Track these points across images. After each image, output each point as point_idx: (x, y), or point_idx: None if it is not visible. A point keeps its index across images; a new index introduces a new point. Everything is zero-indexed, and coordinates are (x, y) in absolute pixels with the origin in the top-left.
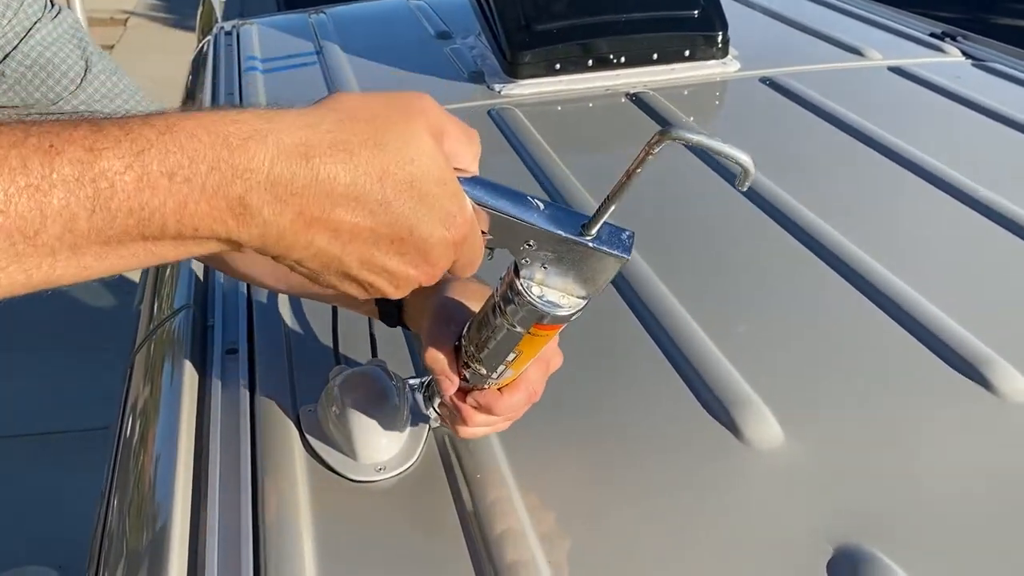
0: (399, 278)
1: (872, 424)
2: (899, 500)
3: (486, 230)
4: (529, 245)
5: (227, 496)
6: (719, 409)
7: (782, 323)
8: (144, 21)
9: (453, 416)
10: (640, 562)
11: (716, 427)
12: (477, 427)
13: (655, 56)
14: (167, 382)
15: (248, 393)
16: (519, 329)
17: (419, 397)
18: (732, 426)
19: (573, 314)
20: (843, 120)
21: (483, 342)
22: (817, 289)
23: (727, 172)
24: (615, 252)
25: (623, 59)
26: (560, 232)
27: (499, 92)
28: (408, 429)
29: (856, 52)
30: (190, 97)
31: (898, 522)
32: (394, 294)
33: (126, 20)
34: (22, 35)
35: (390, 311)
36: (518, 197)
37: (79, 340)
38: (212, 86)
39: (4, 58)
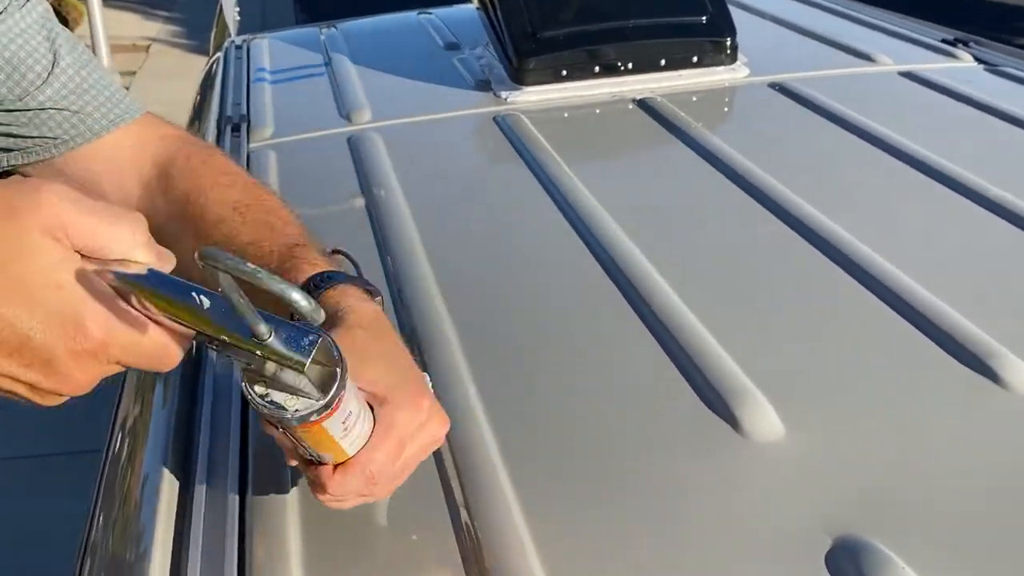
0: (38, 389)
1: (874, 417)
2: (901, 493)
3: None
4: (214, 347)
5: (214, 494)
6: (717, 401)
7: (784, 316)
8: (166, 47)
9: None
10: (636, 558)
11: (714, 420)
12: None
13: (663, 62)
14: (158, 396)
15: (239, 403)
16: (280, 430)
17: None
18: (731, 419)
19: (314, 412)
20: (855, 124)
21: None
22: (823, 285)
23: (734, 174)
24: (291, 355)
25: (630, 65)
26: (224, 333)
27: (505, 99)
28: None
29: (866, 57)
30: (197, 116)
31: (899, 514)
32: (44, 402)
33: (148, 47)
34: None
35: None
36: (181, 290)
37: None
38: (220, 97)
39: None
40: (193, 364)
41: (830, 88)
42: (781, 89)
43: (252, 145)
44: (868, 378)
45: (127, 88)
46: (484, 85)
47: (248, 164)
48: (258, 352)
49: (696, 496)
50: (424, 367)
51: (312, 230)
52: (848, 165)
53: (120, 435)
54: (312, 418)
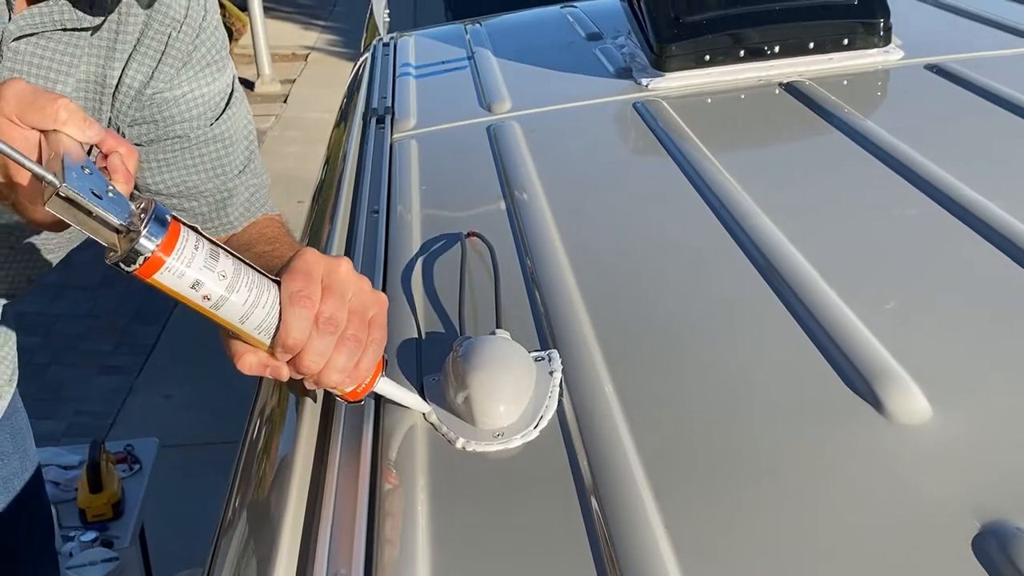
0: None
1: None
2: None
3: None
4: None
5: (347, 466)
6: (858, 380)
7: (937, 299)
8: (323, 55)
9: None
10: (772, 541)
11: (855, 400)
12: (329, 375)
13: (811, 45)
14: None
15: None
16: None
17: None
18: (873, 399)
19: (131, 255)
20: (1021, 105)
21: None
22: (983, 270)
23: (891, 159)
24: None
25: (777, 49)
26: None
27: (646, 86)
28: (529, 398)
29: None
30: (344, 113)
31: None
32: None
33: (307, 55)
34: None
35: None
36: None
37: None
38: (367, 91)
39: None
40: None
41: (992, 69)
42: (939, 71)
43: (395, 136)
44: (1021, 359)
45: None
46: (625, 73)
47: (391, 154)
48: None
49: (837, 480)
50: (554, 345)
51: None
52: (1016, 149)
53: (258, 423)
54: (144, 250)
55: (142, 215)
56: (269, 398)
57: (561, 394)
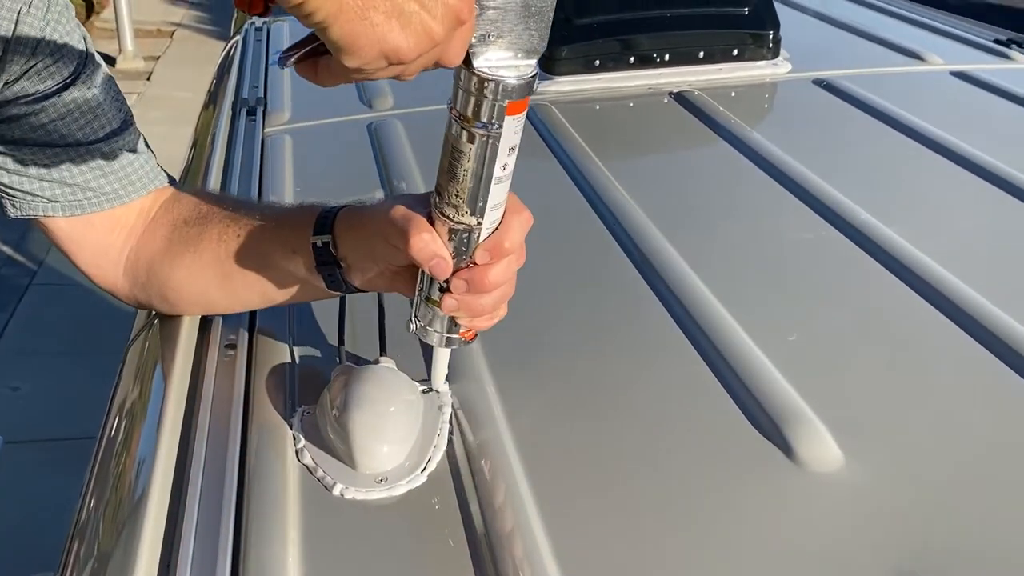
0: (442, 6)
1: (949, 449)
2: (979, 539)
3: None
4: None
5: (208, 501)
6: (768, 425)
7: (840, 332)
8: (190, 33)
9: (445, 315)
10: None
11: (765, 445)
12: (487, 299)
13: (701, 55)
14: (157, 378)
15: (243, 392)
16: (495, 125)
17: (415, 325)
18: (783, 444)
19: (533, 76)
20: (905, 124)
21: (461, 180)
22: (878, 297)
23: (778, 172)
24: None
25: (667, 57)
26: None
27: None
28: (416, 437)
29: (916, 56)
30: (212, 100)
31: (978, 567)
32: (438, 33)
33: (173, 32)
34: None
35: (333, 276)
36: None
37: (101, 345)
38: (237, 78)
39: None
40: (197, 347)
41: (878, 86)
42: (827, 86)
43: (268, 130)
44: (940, 406)
45: (149, 74)
46: None
47: (262, 149)
48: None
49: (745, 529)
50: (448, 387)
51: None
52: (899, 165)
53: (117, 418)
54: (535, 85)
55: None
56: (130, 392)
57: (451, 432)
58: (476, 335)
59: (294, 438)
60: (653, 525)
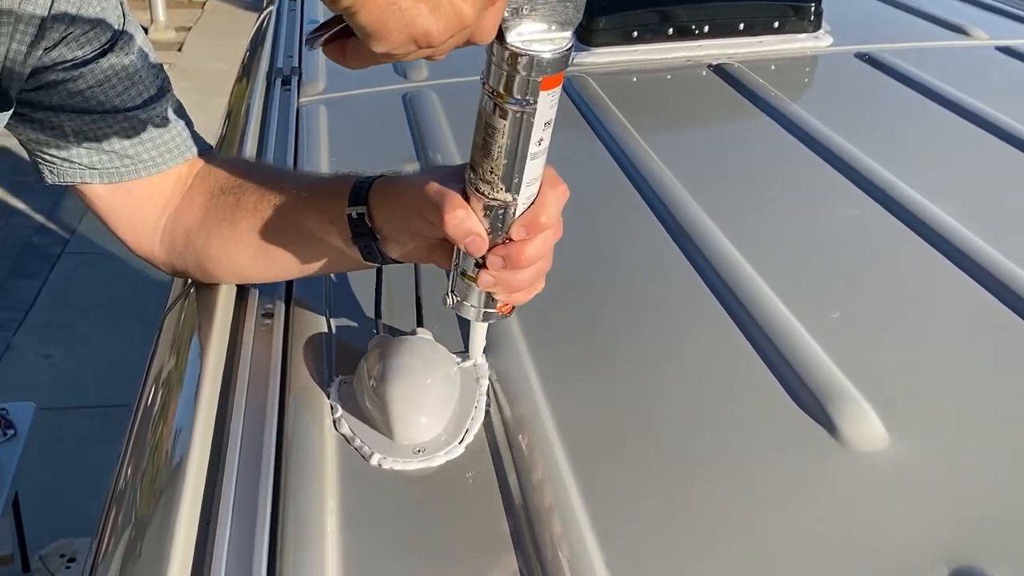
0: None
1: (997, 428)
2: None
3: None
4: None
5: (246, 469)
6: (811, 402)
7: (884, 309)
8: (222, 4)
9: (484, 290)
10: (718, 571)
11: (808, 422)
12: (524, 275)
13: (741, 26)
14: (194, 347)
15: (280, 362)
16: (530, 100)
17: (451, 300)
18: (827, 422)
19: (568, 48)
20: (949, 98)
21: (496, 157)
22: (923, 274)
23: (820, 147)
24: None
25: (706, 28)
26: None
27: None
28: (453, 409)
29: (960, 30)
30: (246, 71)
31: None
32: (468, 14)
33: (204, 3)
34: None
35: (369, 248)
36: None
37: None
38: (272, 47)
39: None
40: (234, 316)
41: (921, 61)
42: (869, 60)
43: (302, 100)
44: (983, 380)
45: (181, 45)
46: None
47: (297, 119)
48: None
49: (788, 510)
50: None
51: None
52: (943, 140)
53: (153, 387)
54: (570, 58)
55: None
56: (167, 360)
57: (489, 404)
58: (513, 309)
59: (331, 407)
60: (693, 502)
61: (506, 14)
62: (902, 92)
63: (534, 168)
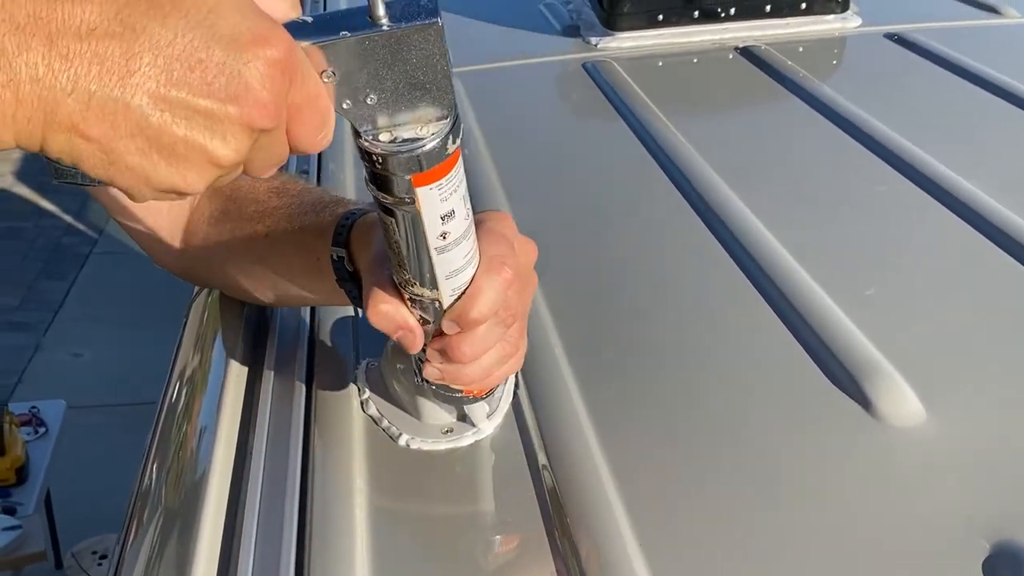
0: (218, 120)
1: None
2: None
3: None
4: (331, 75)
5: (275, 450)
6: (846, 379)
7: (918, 286)
8: None
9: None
10: (752, 554)
11: (843, 400)
12: (473, 368)
13: (768, 8)
14: (220, 333)
15: (307, 345)
16: (406, 200)
17: (417, 379)
18: (862, 399)
19: (443, 142)
20: (982, 77)
21: (400, 254)
22: (957, 250)
23: (852, 127)
24: (415, 22)
25: (732, 11)
26: (342, 36)
27: (595, 45)
28: None
29: (991, 9)
30: None
31: None
32: (226, 155)
33: None
34: None
35: (353, 295)
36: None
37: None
38: None
39: None
40: (258, 317)
41: (953, 40)
42: (899, 40)
43: None
44: (1021, 355)
45: None
46: (572, 31)
47: None
48: (384, 28)
49: (824, 487)
50: None
51: None
52: (976, 119)
53: (180, 375)
54: (450, 145)
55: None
56: (191, 359)
57: (517, 385)
58: (491, 391)
59: (359, 389)
60: (727, 481)
61: (345, 104)
62: (934, 72)
63: (449, 261)
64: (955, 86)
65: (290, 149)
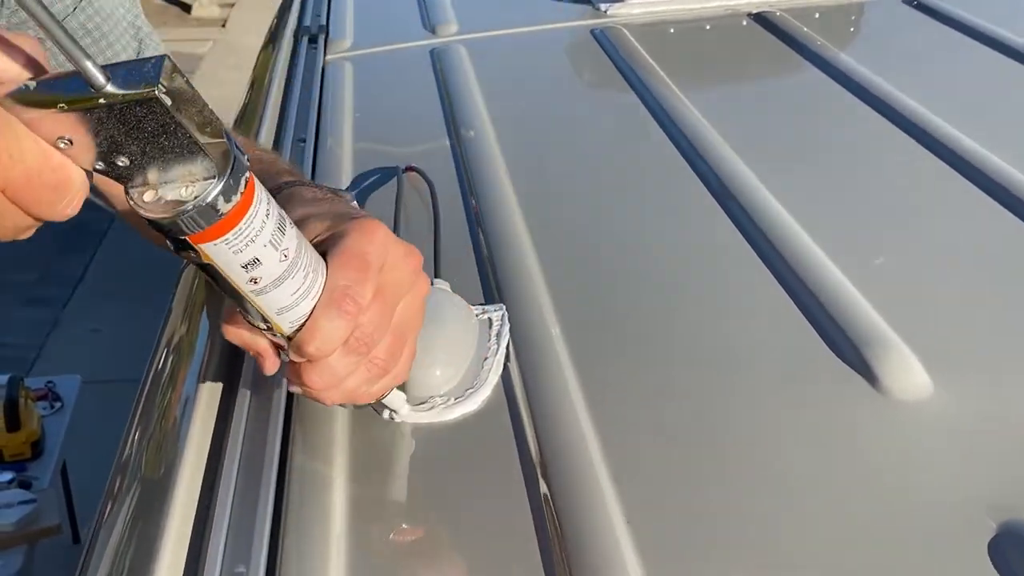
0: None
1: None
2: None
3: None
4: (67, 142)
5: (255, 423)
6: (849, 350)
7: (930, 256)
8: None
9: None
10: (749, 532)
11: (846, 371)
12: (330, 394)
13: None
14: (207, 300)
15: None
16: (192, 256)
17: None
18: (867, 372)
19: (213, 202)
20: (1004, 43)
21: (220, 293)
22: (972, 220)
23: (869, 95)
24: (132, 92)
25: None
26: (61, 100)
27: (604, 11)
28: (470, 361)
29: None
30: (273, 33)
31: None
32: None
33: None
34: None
35: None
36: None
37: None
38: (300, 7)
39: None
40: None
41: (974, 4)
42: (918, 5)
43: (329, 57)
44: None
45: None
46: None
47: (323, 77)
48: (101, 100)
49: (827, 463)
50: (501, 299)
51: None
52: (998, 86)
53: (164, 353)
54: (222, 205)
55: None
56: (178, 327)
57: (507, 358)
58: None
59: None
60: (727, 455)
61: (99, 165)
62: (953, 37)
63: (274, 300)
64: (975, 51)
65: (34, 219)
